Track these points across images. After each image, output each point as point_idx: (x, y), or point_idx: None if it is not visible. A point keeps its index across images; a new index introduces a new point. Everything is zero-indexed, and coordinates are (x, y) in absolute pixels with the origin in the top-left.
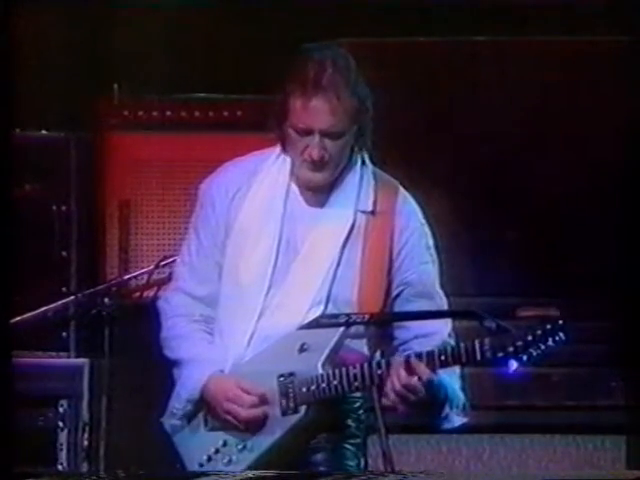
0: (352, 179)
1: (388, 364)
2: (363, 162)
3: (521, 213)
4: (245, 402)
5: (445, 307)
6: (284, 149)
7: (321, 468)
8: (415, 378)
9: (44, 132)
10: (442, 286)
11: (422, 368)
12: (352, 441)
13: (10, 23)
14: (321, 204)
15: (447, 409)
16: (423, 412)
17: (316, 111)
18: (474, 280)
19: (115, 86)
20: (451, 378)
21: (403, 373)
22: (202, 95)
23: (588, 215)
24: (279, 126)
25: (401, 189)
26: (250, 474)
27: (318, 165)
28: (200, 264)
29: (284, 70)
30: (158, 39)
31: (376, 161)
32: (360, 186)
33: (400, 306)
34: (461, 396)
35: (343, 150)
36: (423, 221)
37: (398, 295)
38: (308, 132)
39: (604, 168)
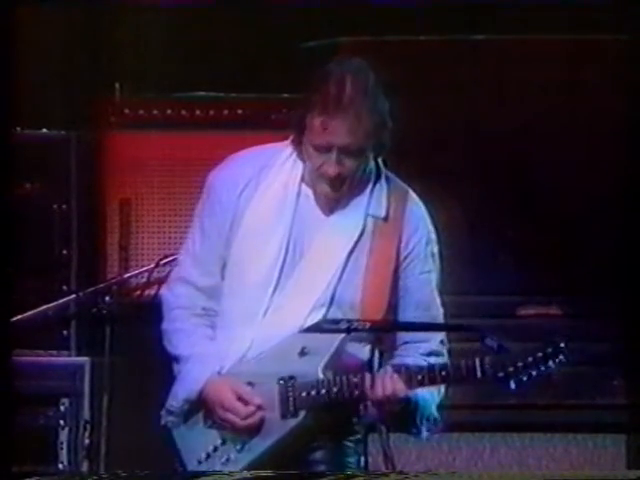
0: (366, 185)
1: (386, 372)
2: (378, 168)
3: (523, 213)
4: (241, 413)
5: (441, 318)
6: (303, 160)
7: (320, 468)
8: (402, 390)
9: (44, 131)
10: (440, 292)
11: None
12: (352, 444)
13: (11, 23)
14: (333, 208)
15: (417, 420)
16: (393, 419)
17: (335, 130)
18: (476, 279)
19: (116, 85)
20: (423, 390)
21: (396, 384)
22: (202, 94)
23: (590, 215)
24: (299, 139)
25: (411, 194)
26: (249, 474)
27: (334, 181)
28: (203, 255)
29: (306, 83)
30: (158, 38)
31: (389, 165)
32: (372, 192)
33: (398, 313)
34: (433, 410)
35: (360, 166)
36: (430, 228)
37: (397, 301)
38: (326, 149)
39: (606, 168)
